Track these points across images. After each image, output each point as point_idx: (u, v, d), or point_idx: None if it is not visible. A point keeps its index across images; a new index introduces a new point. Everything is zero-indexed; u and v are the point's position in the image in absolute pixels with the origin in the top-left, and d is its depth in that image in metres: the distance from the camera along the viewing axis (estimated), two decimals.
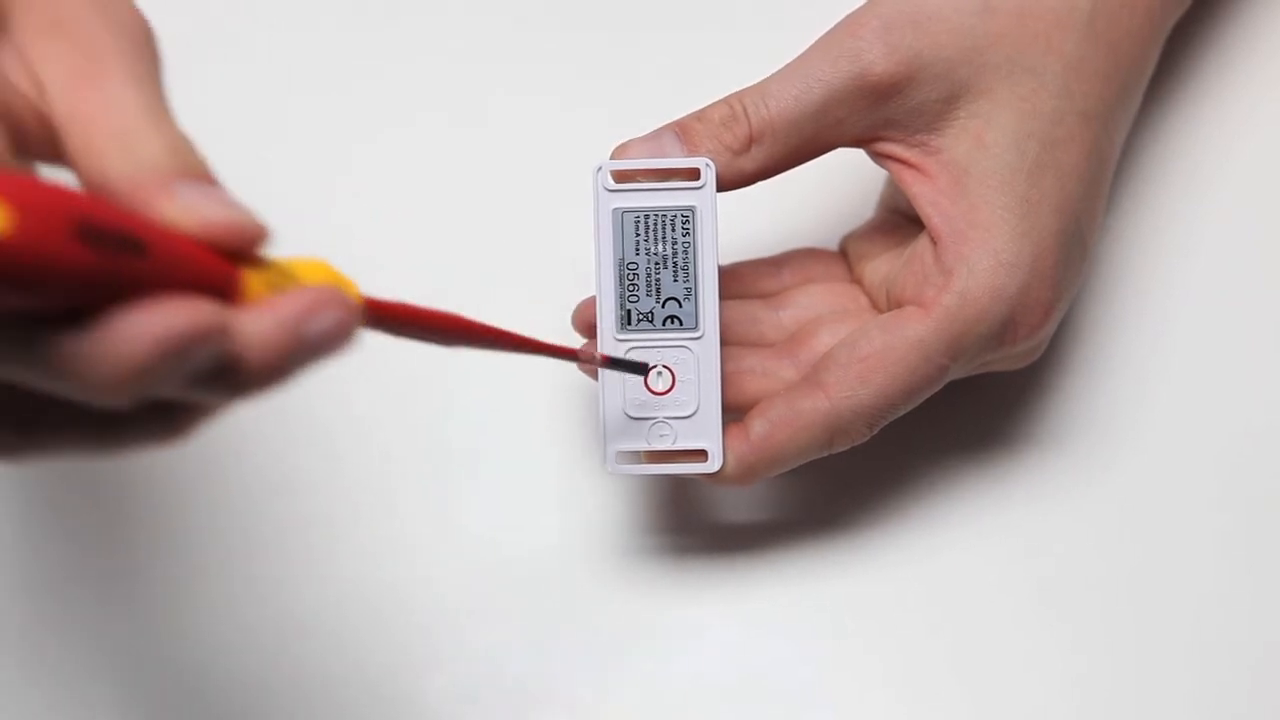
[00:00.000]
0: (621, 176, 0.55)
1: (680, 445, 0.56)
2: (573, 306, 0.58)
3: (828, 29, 0.56)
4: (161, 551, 0.61)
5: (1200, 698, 0.60)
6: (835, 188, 0.65)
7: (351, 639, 0.60)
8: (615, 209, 0.55)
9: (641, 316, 0.56)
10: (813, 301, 0.60)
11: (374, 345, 0.61)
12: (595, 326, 0.56)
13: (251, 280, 0.40)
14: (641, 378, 0.56)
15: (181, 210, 0.39)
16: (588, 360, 0.55)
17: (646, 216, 0.55)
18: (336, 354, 0.42)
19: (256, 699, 0.60)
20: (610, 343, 0.56)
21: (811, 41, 0.56)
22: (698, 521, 0.62)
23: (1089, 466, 0.63)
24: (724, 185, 0.56)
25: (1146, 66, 0.60)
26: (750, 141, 0.55)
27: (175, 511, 0.61)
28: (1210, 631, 0.61)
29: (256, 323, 0.39)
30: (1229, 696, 0.60)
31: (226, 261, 0.40)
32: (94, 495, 0.62)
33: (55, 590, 0.61)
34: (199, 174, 0.41)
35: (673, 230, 0.55)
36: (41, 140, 0.42)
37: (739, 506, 0.62)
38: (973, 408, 0.63)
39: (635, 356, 0.56)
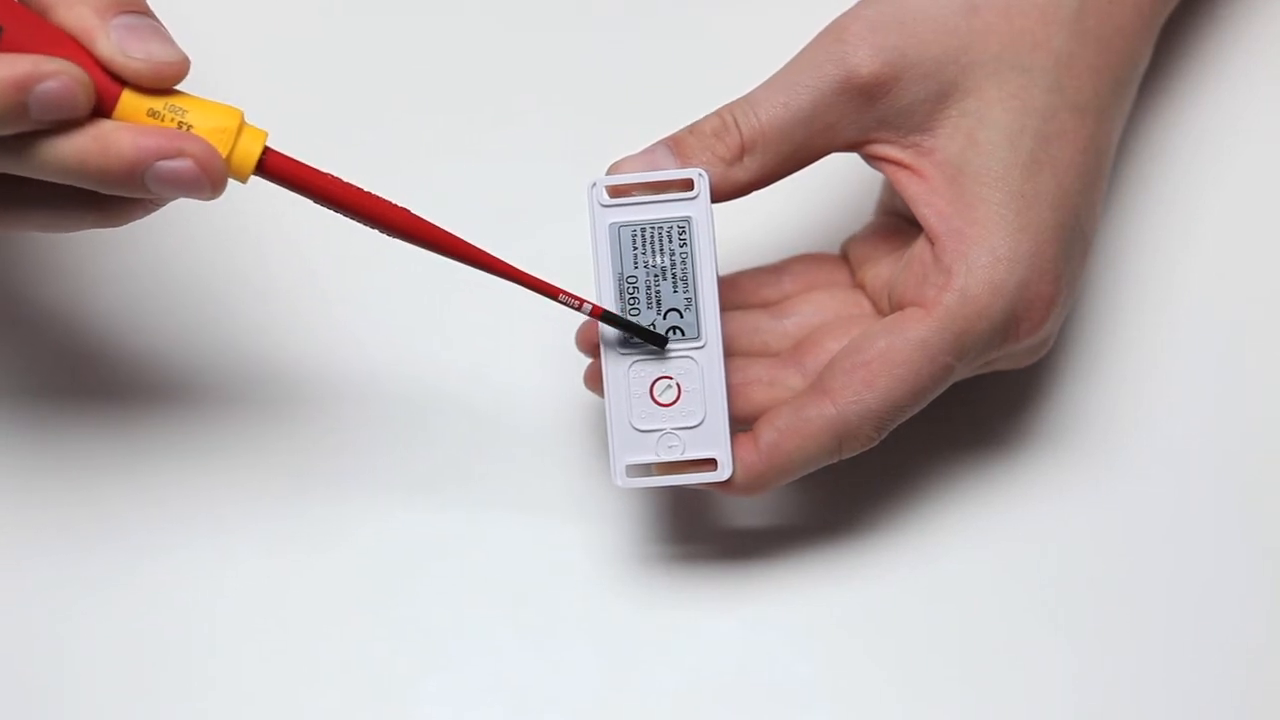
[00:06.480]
0: (616, 191, 0.56)
1: (689, 455, 0.56)
2: (573, 325, 0.59)
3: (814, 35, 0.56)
4: (166, 542, 0.61)
5: (1202, 698, 0.60)
6: (833, 192, 0.65)
7: (358, 640, 0.60)
8: (612, 224, 0.56)
9: None
10: (815, 309, 0.60)
11: (382, 352, 0.62)
12: (598, 344, 0.56)
13: (130, 102, 0.49)
14: (648, 385, 0.56)
15: (111, 48, 0.49)
16: (575, 307, 0.55)
17: (643, 230, 0.56)
18: (192, 191, 0.50)
19: (255, 698, 0.60)
20: (614, 357, 0.56)
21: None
22: (703, 527, 0.62)
23: (1093, 466, 0.63)
24: (719, 196, 0.56)
25: (1139, 61, 0.60)
26: (743, 151, 0.56)
27: (177, 507, 0.62)
28: (1214, 633, 0.61)
29: (100, 129, 0.49)
30: (1231, 697, 0.60)
31: (115, 83, 0.49)
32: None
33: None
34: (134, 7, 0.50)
35: (670, 242, 0.56)
36: None
37: (744, 513, 0.62)
38: (977, 409, 0.63)
39: (639, 370, 0.56)
